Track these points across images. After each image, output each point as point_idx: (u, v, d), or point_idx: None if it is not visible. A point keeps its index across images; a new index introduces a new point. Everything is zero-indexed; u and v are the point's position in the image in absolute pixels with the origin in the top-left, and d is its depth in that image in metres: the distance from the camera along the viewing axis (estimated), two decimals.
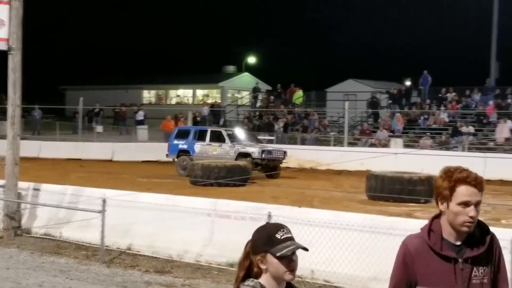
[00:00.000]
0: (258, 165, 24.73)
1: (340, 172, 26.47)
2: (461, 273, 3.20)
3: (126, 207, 11.40)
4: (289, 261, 2.97)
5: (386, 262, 8.79)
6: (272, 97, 42.74)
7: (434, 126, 33.55)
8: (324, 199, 18.69)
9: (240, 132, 28.01)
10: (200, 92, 61.51)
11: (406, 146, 30.57)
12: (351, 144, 32.04)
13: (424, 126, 33.79)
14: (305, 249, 3.03)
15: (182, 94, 62.61)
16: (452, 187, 3.28)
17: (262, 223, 9.90)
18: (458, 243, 3.26)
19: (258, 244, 3.01)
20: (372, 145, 31.68)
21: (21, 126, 13.91)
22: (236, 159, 24.30)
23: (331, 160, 25.66)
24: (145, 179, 23.33)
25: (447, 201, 3.24)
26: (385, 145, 31.02)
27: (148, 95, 63.52)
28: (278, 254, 2.94)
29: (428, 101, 36.55)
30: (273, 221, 9.37)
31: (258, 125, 36.73)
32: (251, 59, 65.86)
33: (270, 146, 26.65)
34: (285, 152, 25.78)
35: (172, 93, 62.91)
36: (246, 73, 60.98)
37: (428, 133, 31.88)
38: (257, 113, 40.83)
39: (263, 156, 24.58)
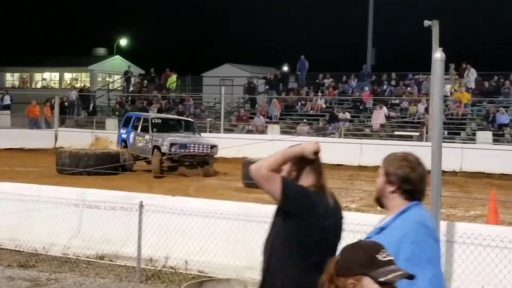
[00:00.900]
0: (175, 161, 21.72)
1: (216, 159, 26.66)
2: None
3: None
4: None
5: (259, 250, 8.98)
6: (145, 81, 42.33)
7: (311, 112, 34.40)
8: (200, 188, 18.78)
9: (187, 122, 24.61)
10: (68, 76, 60.05)
11: (283, 132, 31.17)
12: (227, 130, 32.30)
13: (301, 112, 34.58)
14: (411, 278, 2.61)
15: (49, 77, 60.83)
16: None
17: (134, 213, 9.77)
18: None
19: (353, 265, 2.59)
20: (249, 131, 32.08)
21: None
22: (152, 154, 21.68)
23: None
24: (6, 167, 22.53)
25: None
26: (262, 131, 31.50)
27: (11, 78, 61.28)
28: (382, 279, 2.55)
29: (305, 87, 37.41)
30: (145, 211, 9.33)
31: (130, 110, 36.26)
32: (123, 42, 64.92)
33: (195, 139, 22.65)
34: (213, 146, 22.21)
35: (38, 76, 61.01)
36: (118, 56, 60.10)
37: (305, 119, 32.65)
38: (130, 98, 40.31)
39: (172, 150, 21.30)
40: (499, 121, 28.99)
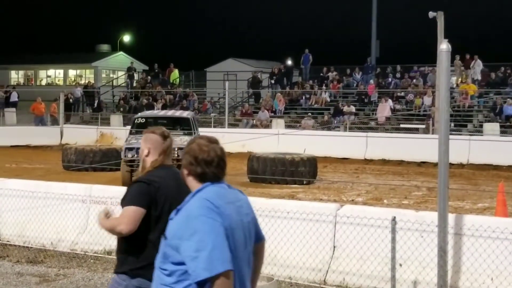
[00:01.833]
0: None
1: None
2: None
3: None
4: None
5: (269, 245, 8.99)
6: (149, 77, 42.33)
7: (315, 106, 34.37)
8: None
9: (181, 120, 20.49)
10: (72, 73, 60.08)
11: (288, 126, 31.16)
12: (232, 125, 32.29)
13: (306, 106, 34.54)
14: None
15: (53, 74, 60.91)
16: None
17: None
18: None
19: None
20: (254, 126, 32.07)
21: None
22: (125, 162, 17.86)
23: None
24: (14, 164, 22.59)
25: None
26: (267, 126, 31.49)
27: (16, 75, 61.37)
28: None
29: (309, 80, 37.37)
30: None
31: (135, 106, 36.29)
32: (127, 38, 64.94)
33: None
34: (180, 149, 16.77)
35: (42, 73, 61.09)
36: (121, 52, 60.12)
37: (310, 113, 32.61)
38: (133, 94, 40.33)
39: (129, 156, 17.57)
40: (506, 112, 28.91)
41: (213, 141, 3.77)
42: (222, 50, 58.18)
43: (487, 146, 24.35)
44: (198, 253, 3.37)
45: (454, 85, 32.36)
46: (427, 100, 30.58)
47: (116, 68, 56.16)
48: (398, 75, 35.59)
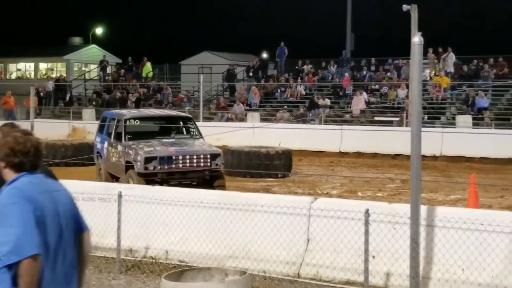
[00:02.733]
0: (158, 183, 14.33)
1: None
2: None
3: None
4: None
5: (243, 239, 9.04)
6: (122, 70, 42.11)
7: (291, 99, 34.44)
8: None
9: (181, 120, 17.22)
10: (43, 66, 59.56)
11: (263, 120, 31.20)
12: (206, 119, 32.25)
13: (281, 99, 34.61)
14: None
15: (24, 68, 60.34)
16: None
17: (112, 204, 9.75)
18: None
19: None
20: (229, 119, 32.07)
21: None
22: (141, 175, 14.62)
23: None
24: None
25: None
26: (242, 119, 31.50)
27: None
28: None
29: (285, 74, 37.43)
30: (124, 201, 9.33)
31: (107, 100, 36.10)
32: (99, 30, 64.51)
33: (187, 146, 15.41)
34: (214, 155, 15.11)
35: (12, 66, 60.48)
36: (94, 45, 59.68)
37: (285, 106, 32.69)
38: (106, 88, 40.09)
39: (150, 168, 14.51)
40: (478, 105, 29.21)
41: (27, 133, 4.00)
42: (197, 43, 58.04)
43: (459, 138, 24.59)
44: (7, 237, 3.58)
45: (428, 78, 32.61)
46: (401, 92, 30.80)
47: (88, 61, 55.77)
48: (372, 68, 35.76)
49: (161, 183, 14.35)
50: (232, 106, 33.32)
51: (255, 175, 18.64)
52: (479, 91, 29.64)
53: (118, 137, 15.74)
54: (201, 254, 9.16)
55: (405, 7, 17.63)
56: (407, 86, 28.46)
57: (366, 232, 7.82)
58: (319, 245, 8.69)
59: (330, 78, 36.10)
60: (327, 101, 32.50)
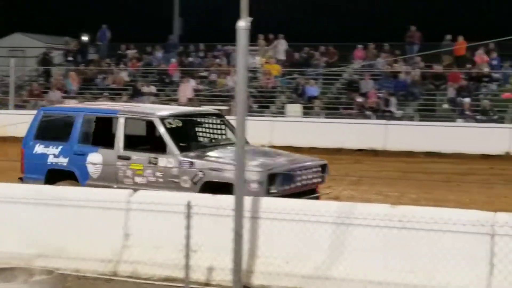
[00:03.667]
0: None
1: (5, 139, 25.66)
2: None
3: None
4: None
5: (55, 236, 8.83)
6: None
7: (113, 85, 33.94)
8: None
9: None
10: None
11: None
12: (18, 106, 31.16)
13: (103, 86, 34.03)
14: None
15: None
16: None
17: None
18: None
19: None
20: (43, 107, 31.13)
21: None
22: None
23: None
24: None
25: None
26: None
27: None
28: None
29: (107, 58, 36.87)
30: None
31: None
32: None
33: (288, 157, 12.62)
34: (323, 166, 12.56)
35: None
36: None
37: (107, 93, 32.19)
38: None
39: (279, 189, 11.01)
40: (308, 93, 30.20)
41: None
42: (7, 23, 55.73)
43: (289, 128, 25.36)
44: None
45: (258, 65, 33.29)
46: (231, 80, 31.24)
47: None
48: (201, 54, 36.01)
49: None
50: (47, 93, 32.37)
51: None
52: (310, 80, 30.67)
53: (154, 145, 11.92)
54: (5, 254, 8.84)
55: None
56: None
57: (188, 226, 7.87)
58: (138, 240, 8.66)
59: (155, 64, 35.96)
60: (152, 88, 32.35)
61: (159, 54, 36.66)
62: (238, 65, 7.97)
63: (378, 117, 26.94)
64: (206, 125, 13.49)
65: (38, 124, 12.77)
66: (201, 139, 13.15)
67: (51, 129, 12.79)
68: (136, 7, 60.71)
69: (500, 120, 25.53)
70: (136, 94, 31.73)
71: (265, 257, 8.07)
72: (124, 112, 12.33)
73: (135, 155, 11.77)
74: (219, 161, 11.34)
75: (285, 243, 7.99)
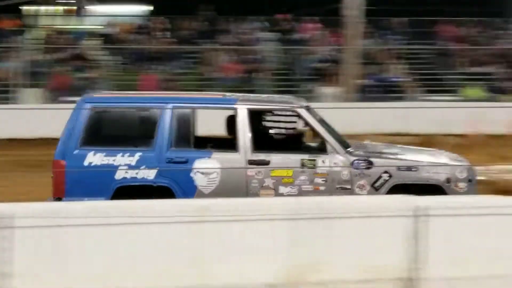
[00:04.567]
0: None
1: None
2: None
3: None
4: None
5: None
6: None
7: None
8: None
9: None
10: None
11: None
12: None
13: None
14: None
15: None
16: None
17: None
18: None
19: None
20: None
21: None
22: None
23: None
24: None
25: None
26: None
27: None
28: None
29: None
30: None
31: None
32: None
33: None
34: None
35: None
36: None
37: None
38: None
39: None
40: None
41: None
42: None
43: None
44: None
45: None
46: None
47: None
48: None
49: None
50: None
51: None
52: None
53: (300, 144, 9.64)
54: None
55: None
56: None
57: None
58: None
59: None
60: None
61: None
62: None
63: None
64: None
65: (87, 122, 8.89)
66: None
67: (112, 130, 9.29)
68: None
69: None
70: None
71: None
72: (245, 101, 9.29)
73: (275, 158, 9.03)
74: (405, 158, 9.24)
75: None
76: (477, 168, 9.85)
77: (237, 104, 8.96)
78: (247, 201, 7.40)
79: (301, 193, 8.76)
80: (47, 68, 23.88)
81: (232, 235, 6.49)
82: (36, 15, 31.62)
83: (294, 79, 24.15)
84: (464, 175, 9.02)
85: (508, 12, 30.08)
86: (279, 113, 9.08)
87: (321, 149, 8.97)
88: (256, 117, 8.97)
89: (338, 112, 15.72)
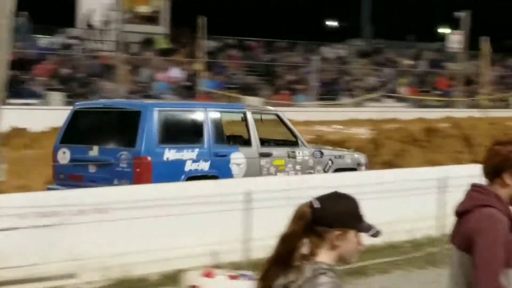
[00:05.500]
0: None
1: None
2: None
3: None
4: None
5: None
6: None
7: None
8: None
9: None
10: None
11: None
12: None
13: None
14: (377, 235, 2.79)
15: None
16: None
17: None
18: None
19: (345, 218, 2.73)
20: None
21: None
22: None
23: None
24: None
25: None
26: None
27: None
28: (369, 234, 2.75)
29: None
30: None
31: None
32: None
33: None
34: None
35: None
36: None
37: None
38: None
39: None
40: None
41: None
42: None
43: None
44: None
45: None
46: None
47: None
48: None
49: None
50: None
51: None
52: None
53: (283, 139, 12.75)
54: None
55: None
56: None
57: None
58: None
59: None
60: None
61: None
62: None
63: None
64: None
65: (158, 124, 10.56)
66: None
67: (175, 130, 11.07)
68: None
69: None
70: None
71: None
72: (250, 107, 12.87)
73: (275, 151, 11.76)
74: (338, 149, 13.19)
75: None
76: None
77: (245, 109, 12.03)
78: None
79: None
80: None
81: None
82: None
83: None
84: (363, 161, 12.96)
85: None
86: (267, 115, 12.58)
87: (295, 143, 12.04)
88: (255, 119, 11.89)
89: None
